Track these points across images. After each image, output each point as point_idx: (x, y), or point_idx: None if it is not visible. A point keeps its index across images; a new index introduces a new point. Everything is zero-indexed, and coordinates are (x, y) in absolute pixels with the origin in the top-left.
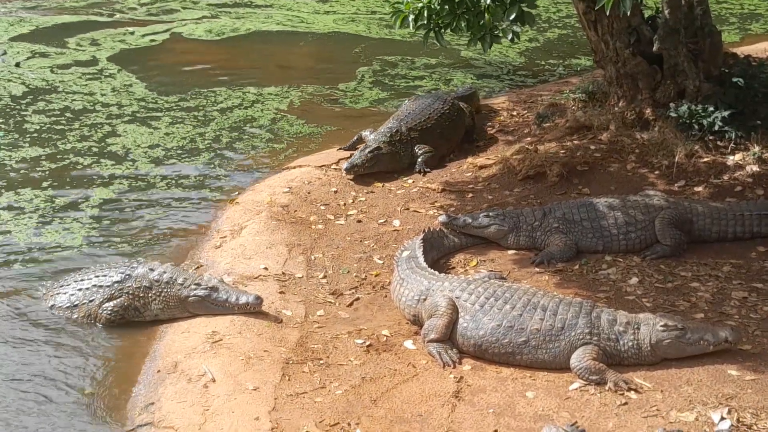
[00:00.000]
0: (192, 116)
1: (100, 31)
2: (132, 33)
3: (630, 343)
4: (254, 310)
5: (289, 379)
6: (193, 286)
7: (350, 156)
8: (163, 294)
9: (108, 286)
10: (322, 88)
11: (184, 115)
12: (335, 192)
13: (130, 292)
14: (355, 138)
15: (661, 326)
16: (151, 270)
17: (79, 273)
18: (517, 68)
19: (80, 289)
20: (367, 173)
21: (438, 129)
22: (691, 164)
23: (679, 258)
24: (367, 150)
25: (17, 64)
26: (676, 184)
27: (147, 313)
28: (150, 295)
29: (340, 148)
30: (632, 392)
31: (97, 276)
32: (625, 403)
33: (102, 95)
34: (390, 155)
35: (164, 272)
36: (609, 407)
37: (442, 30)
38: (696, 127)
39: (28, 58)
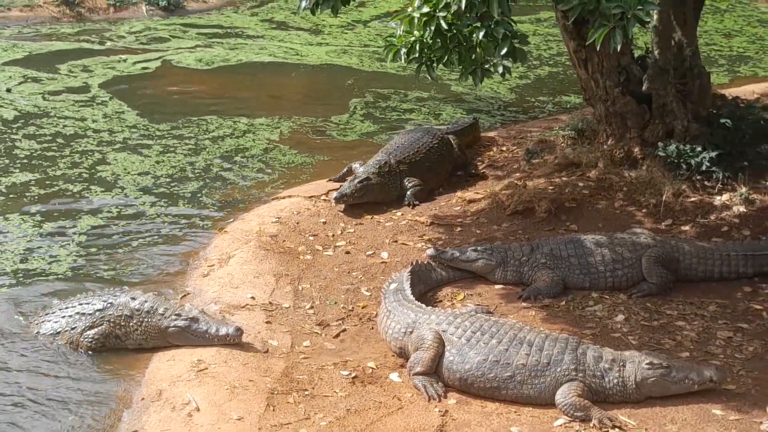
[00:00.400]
0: (183, 144)
1: (91, 59)
2: (124, 60)
3: (615, 381)
4: (234, 342)
5: (273, 410)
6: (173, 317)
7: (340, 187)
8: (144, 323)
9: (90, 314)
10: (314, 120)
11: (175, 143)
12: (324, 223)
13: (112, 320)
14: (345, 170)
15: (647, 364)
16: (133, 299)
17: (65, 301)
18: (508, 104)
19: (63, 317)
20: (356, 203)
21: (426, 162)
22: (679, 203)
23: (665, 296)
24: (357, 180)
25: (8, 90)
26: (663, 223)
27: (129, 342)
28: (131, 324)
29: (330, 180)
30: (616, 430)
31: (81, 304)
32: None
33: (93, 121)
34: (379, 186)
35: (145, 301)
36: None
37: (434, 64)
38: (684, 166)
39: (21, 83)
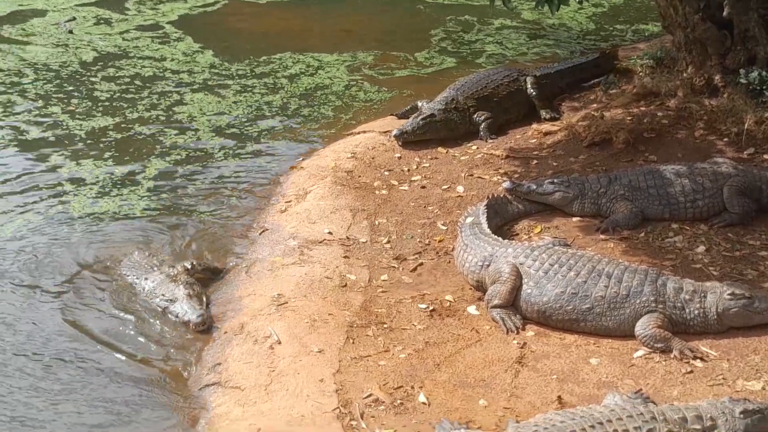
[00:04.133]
0: (262, 84)
1: None
2: None
3: (696, 312)
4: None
5: (353, 342)
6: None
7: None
8: None
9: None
10: (389, 54)
11: (255, 82)
12: (399, 158)
13: None
14: (409, 107)
15: (728, 295)
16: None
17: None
18: (587, 33)
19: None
20: (417, 140)
21: (495, 98)
22: (761, 131)
23: (748, 226)
24: (420, 117)
25: (70, 31)
26: (745, 152)
27: None
28: None
29: (393, 114)
30: (698, 360)
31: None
32: (691, 372)
33: (172, 60)
34: (443, 123)
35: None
36: (674, 375)
37: None
38: (766, 93)
39: (94, 24)
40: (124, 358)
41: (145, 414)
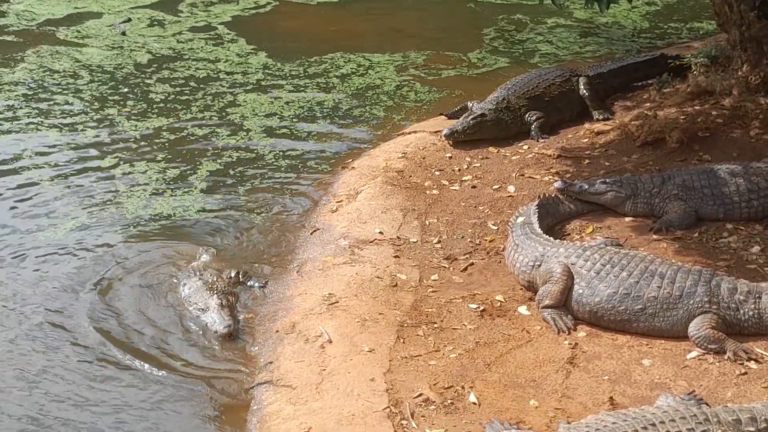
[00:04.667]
0: (314, 84)
1: None
2: None
3: (750, 313)
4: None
5: (403, 342)
6: None
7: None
8: None
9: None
10: (440, 54)
11: (307, 82)
12: (450, 157)
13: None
14: (459, 107)
15: None
16: None
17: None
18: (641, 31)
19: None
20: (468, 140)
21: (546, 98)
22: None
23: None
24: (471, 117)
25: (123, 33)
26: None
27: None
28: None
29: (443, 114)
30: (752, 362)
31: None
32: (745, 373)
33: (226, 61)
34: (494, 123)
35: None
36: (728, 377)
37: None
38: None
39: (148, 26)
40: (174, 356)
41: (197, 411)
